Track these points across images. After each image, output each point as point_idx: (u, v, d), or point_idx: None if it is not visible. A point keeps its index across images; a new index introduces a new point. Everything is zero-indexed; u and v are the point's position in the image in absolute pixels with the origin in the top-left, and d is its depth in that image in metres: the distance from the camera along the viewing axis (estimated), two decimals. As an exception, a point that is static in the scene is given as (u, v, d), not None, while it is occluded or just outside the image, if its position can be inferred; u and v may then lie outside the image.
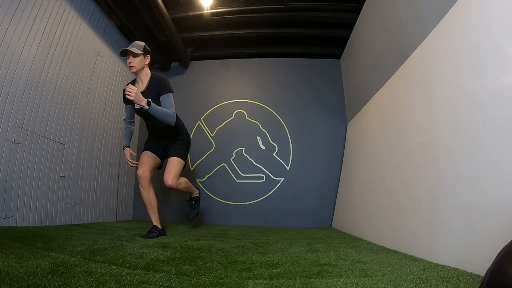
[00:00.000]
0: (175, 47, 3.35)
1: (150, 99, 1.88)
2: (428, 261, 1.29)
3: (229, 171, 3.49)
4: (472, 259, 1.08)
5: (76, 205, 2.47)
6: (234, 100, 3.70)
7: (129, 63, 1.97)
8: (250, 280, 0.92)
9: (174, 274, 0.95)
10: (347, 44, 3.29)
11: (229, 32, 3.34)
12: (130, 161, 2.11)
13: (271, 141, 3.53)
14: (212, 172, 3.52)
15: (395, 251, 1.60)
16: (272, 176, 3.46)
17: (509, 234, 0.75)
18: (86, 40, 2.58)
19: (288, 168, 3.47)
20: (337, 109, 3.56)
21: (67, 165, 2.37)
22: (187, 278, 0.92)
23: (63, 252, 1.18)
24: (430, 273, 1.04)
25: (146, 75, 2.03)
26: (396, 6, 2.04)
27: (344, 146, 3.43)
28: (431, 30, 1.66)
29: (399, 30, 2.03)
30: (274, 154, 3.50)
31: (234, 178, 3.48)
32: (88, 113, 2.66)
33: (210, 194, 3.45)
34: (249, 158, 3.50)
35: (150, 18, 2.89)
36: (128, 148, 2.14)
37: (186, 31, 3.34)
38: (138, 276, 0.89)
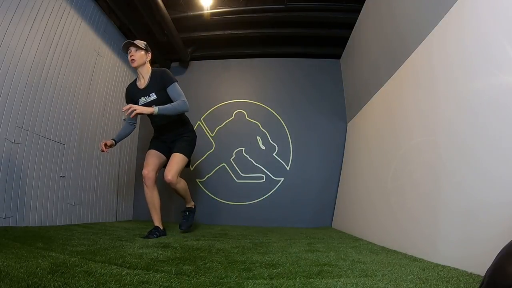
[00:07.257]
0: (175, 47, 3.35)
1: (156, 105, 1.88)
2: (428, 261, 1.29)
3: (229, 171, 3.49)
4: (472, 259, 1.08)
5: (76, 205, 2.47)
6: (234, 100, 3.70)
7: (130, 56, 2.00)
8: (250, 280, 0.92)
9: (174, 274, 0.95)
10: (347, 44, 3.29)
11: (229, 32, 3.34)
12: (104, 147, 2.02)
13: (271, 141, 3.53)
14: (212, 172, 3.52)
15: (395, 251, 1.60)
16: (272, 176, 3.46)
17: (509, 235, 0.75)
18: (86, 40, 2.58)
19: (288, 168, 3.47)
20: (337, 109, 3.56)
21: (67, 165, 2.37)
22: (187, 278, 0.92)
23: (63, 252, 1.18)
24: (430, 273, 1.04)
25: (147, 71, 2.07)
26: (396, 6, 2.04)
27: (344, 146, 3.43)
28: (431, 30, 1.66)
29: (399, 30, 2.03)
30: (274, 154, 3.50)
31: (234, 178, 3.48)
32: (88, 113, 2.66)
33: (210, 194, 3.45)
34: (249, 158, 3.50)
35: (150, 18, 2.90)
36: (113, 141, 2.10)
37: (186, 31, 3.34)
38: (138, 276, 0.89)
